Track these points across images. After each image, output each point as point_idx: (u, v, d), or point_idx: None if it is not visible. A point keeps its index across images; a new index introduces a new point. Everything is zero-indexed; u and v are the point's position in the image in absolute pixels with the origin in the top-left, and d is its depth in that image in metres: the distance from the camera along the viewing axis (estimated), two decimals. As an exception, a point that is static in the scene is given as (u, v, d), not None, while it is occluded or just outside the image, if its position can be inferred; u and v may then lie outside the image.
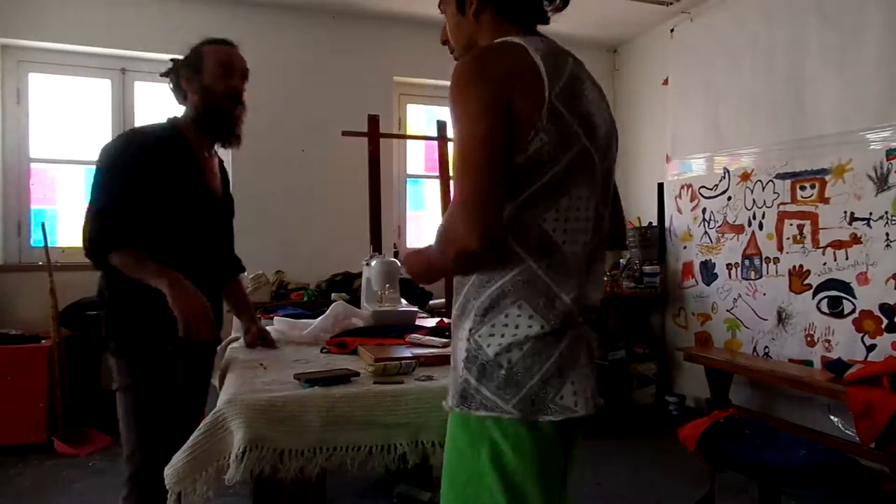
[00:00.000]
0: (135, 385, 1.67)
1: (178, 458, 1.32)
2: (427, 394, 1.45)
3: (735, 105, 3.92)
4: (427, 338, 1.95)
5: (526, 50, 1.05)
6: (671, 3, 4.21)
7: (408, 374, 1.57)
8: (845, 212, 3.21)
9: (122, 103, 4.13)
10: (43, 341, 3.48)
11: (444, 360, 1.61)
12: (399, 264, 2.46)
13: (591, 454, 3.35)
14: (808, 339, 3.41)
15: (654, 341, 4.55)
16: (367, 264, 2.57)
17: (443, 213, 3.14)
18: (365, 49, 4.48)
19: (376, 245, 3.13)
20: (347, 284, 3.96)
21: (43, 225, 3.59)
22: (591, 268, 1.13)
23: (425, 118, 4.85)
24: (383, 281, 2.41)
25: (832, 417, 3.25)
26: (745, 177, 3.84)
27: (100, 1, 3.92)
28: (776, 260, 3.62)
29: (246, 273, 2.22)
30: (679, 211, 4.41)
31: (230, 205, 2.01)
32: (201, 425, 1.35)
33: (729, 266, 3.97)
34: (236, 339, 2.11)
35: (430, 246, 1.10)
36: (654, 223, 4.60)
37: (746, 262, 3.84)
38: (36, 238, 3.90)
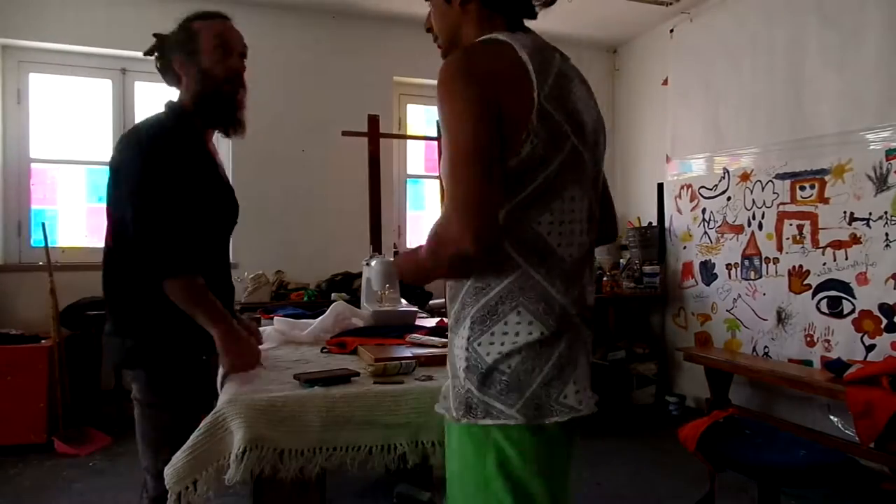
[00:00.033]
0: (168, 403, 1.55)
1: (178, 457, 1.32)
2: (427, 394, 1.45)
3: (735, 105, 3.92)
4: (427, 338, 1.95)
5: (513, 48, 1.03)
6: (671, 4, 4.21)
7: (408, 374, 1.57)
8: (845, 212, 3.22)
9: (123, 103, 4.13)
10: (43, 341, 3.48)
11: (444, 361, 1.59)
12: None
13: (591, 454, 3.36)
14: (808, 339, 3.41)
15: (654, 341, 4.56)
16: (367, 264, 2.57)
17: (443, 214, 3.13)
18: (365, 49, 4.48)
19: (376, 245, 3.13)
20: (347, 284, 3.97)
21: (43, 225, 3.59)
22: (587, 268, 1.12)
23: (425, 118, 4.85)
24: (383, 281, 2.41)
25: (832, 417, 3.25)
26: (745, 177, 3.84)
27: (100, 1, 3.92)
28: (776, 260, 3.62)
29: (246, 273, 2.21)
30: (679, 211, 4.41)
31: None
32: (201, 425, 1.34)
33: (729, 266, 3.97)
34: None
35: (421, 247, 1.07)
36: (654, 223, 4.60)
37: (746, 263, 3.84)
38: (36, 238, 3.90)
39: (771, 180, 3.66)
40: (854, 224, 3.17)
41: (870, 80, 3.09)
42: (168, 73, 1.66)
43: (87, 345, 3.70)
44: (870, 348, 3.08)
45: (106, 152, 4.06)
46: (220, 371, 1.64)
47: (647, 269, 4.43)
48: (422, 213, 4.90)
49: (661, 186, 4.56)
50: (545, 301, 1.04)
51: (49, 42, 3.91)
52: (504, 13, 1.13)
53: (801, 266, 3.46)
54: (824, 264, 3.32)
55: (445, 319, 2.35)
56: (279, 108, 4.21)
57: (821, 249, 3.35)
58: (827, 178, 3.32)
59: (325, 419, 1.38)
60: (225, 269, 1.76)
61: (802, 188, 3.47)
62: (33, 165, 4.02)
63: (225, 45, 1.62)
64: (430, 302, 3.43)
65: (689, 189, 4.30)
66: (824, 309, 3.32)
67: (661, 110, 4.61)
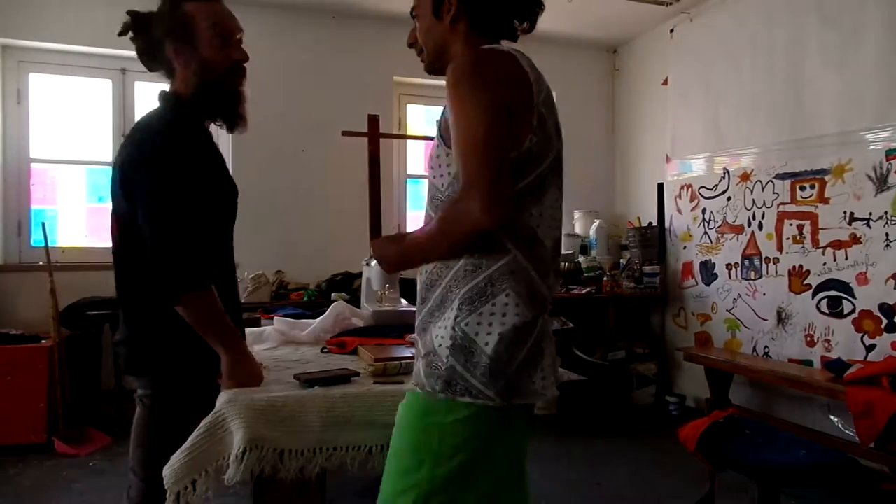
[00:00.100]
0: (175, 413, 1.48)
1: (177, 457, 1.32)
2: (427, 394, 1.45)
3: (735, 105, 3.92)
4: (427, 338, 1.95)
5: (516, 58, 1.14)
6: (671, 4, 4.21)
7: (408, 374, 1.57)
8: (845, 212, 3.21)
9: (123, 103, 4.13)
10: (43, 341, 3.48)
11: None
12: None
13: (591, 454, 3.36)
14: (808, 339, 3.41)
15: (654, 341, 4.55)
16: (367, 264, 2.57)
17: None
18: (365, 49, 4.48)
19: (376, 245, 3.13)
20: (347, 284, 3.97)
21: (43, 225, 3.59)
22: (557, 261, 1.22)
23: (425, 118, 4.86)
24: (383, 281, 2.41)
25: (832, 417, 3.25)
26: (745, 177, 3.84)
27: (100, 1, 3.91)
28: (776, 260, 3.62)
29: (246, 273, 2.20)
30: (679, 211, 4.41)
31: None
32: (201, 425, 1.34)
33: (729, 266, 3.97)
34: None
35: (410, 232, 1.19)
36: (654, 223, 4.60)
37: (746, 263, 3.84)
38: (36, 238, 3.90)
39: (771, 180, 3.65)
40: (854, 224, 3.17)
41: (870, 80, 3.09)
42: (155, 58, 1.51)
43: (87, 345, 3.70)
44: (870, 348, 3.08)
45: (106, 152, 4.08)
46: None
47: (647, 269, 4.43)
48: (422, 213, 4.89)
49: (661, 186, 4.56)
50: (531, 287, 1.11)
51: (49, 42, 3.91)
52: (490, 35, 1.22)
53: (801, 266, 3.46)
54: (824, 264, 3.32)
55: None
56: (279, 108, 4.21)
57: (821, 249, 3.35)
58: (827, 178, 3.32)
59: (325, 419, 1.38)
60: (232, 271, 1.69)
61: (802, 188, 3.47)
62: (33, 165, 4.02)
63: (223, 32, 1.49)
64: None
65: (689, 189, 4.30)
66: (824, 309, 3.32)
67: (661, 110, 4.61)
